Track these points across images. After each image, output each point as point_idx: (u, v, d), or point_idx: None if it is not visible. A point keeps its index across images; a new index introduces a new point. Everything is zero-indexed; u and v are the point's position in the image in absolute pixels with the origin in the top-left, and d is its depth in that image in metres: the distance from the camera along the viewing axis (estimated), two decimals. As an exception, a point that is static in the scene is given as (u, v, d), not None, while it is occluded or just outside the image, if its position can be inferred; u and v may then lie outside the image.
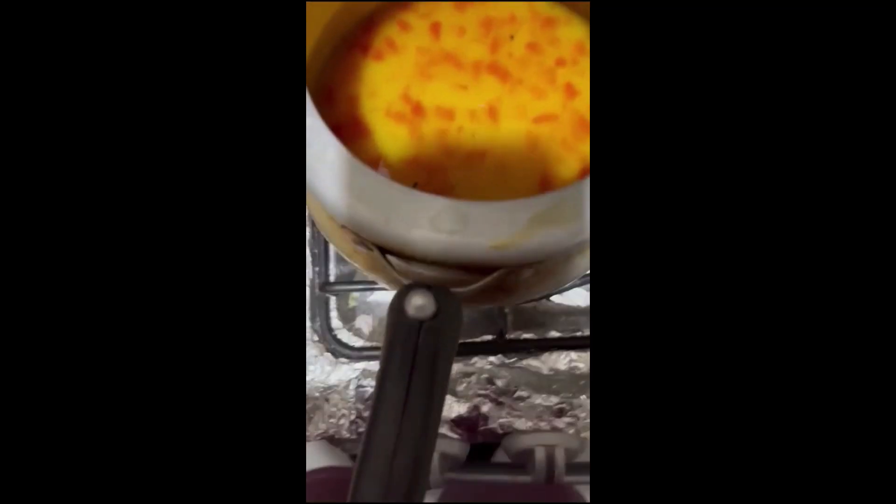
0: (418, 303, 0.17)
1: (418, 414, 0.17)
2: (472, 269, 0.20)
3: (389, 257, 0.21)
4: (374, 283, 0.32)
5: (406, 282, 0.19)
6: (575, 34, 0.28)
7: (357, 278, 0.34)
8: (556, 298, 0.34)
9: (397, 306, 0.17)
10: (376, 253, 0.21)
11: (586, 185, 0.19)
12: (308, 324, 0.32)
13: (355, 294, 0.34)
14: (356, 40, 0.28)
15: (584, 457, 0.31)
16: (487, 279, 0.19)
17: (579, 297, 0.35)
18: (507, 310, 0.34)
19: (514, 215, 0.18)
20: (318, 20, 0.26)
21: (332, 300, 0.34)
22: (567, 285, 0.32)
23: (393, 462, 0.16)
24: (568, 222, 0.18)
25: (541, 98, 0.27)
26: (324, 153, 0.19)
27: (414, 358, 0.16)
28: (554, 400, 0.30)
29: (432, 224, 0.18)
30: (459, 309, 0.18)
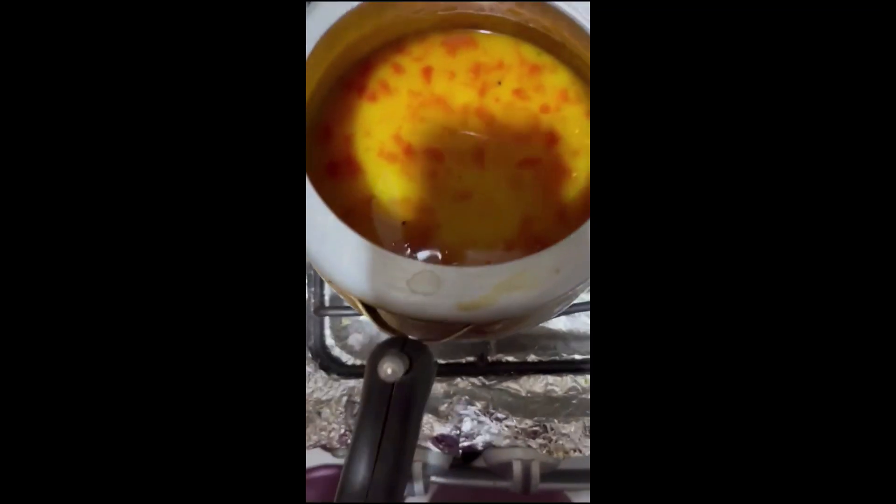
0: (389, 369, 0.19)
1: (391, 454, 0.19)
2: (447, 326, 0.22)
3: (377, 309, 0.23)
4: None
5: (386, 333, 0.21)
6: (560, 82, 0.29)
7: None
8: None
9: (371, 368, 0.19)
10: (360, 305, 0.23)
11: (549, 254, 0.20)
12: (303, 342, 0.34)
13: (348, 314, 0.36)
14: (353, 81, 0.30)
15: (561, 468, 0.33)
16: (459, 332, 0.21)
17: (559, 321, 0.37)
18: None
19: (481, 280, 0.20)
20: (321, 62, 0.27)
21: (326, 319, 0.36)
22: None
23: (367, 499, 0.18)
24: (530, 288, 0.20)
25: (525, 143, 0.29)
26: (314, 216, 0.21)
27: (387, 410, 0.19)
28: (528, 423, 0.32)
29: (409, 286, 0.20)
30: (431, 361, 0.20)
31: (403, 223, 0.28)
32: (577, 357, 0.35)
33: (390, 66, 0.30)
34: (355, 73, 0.30)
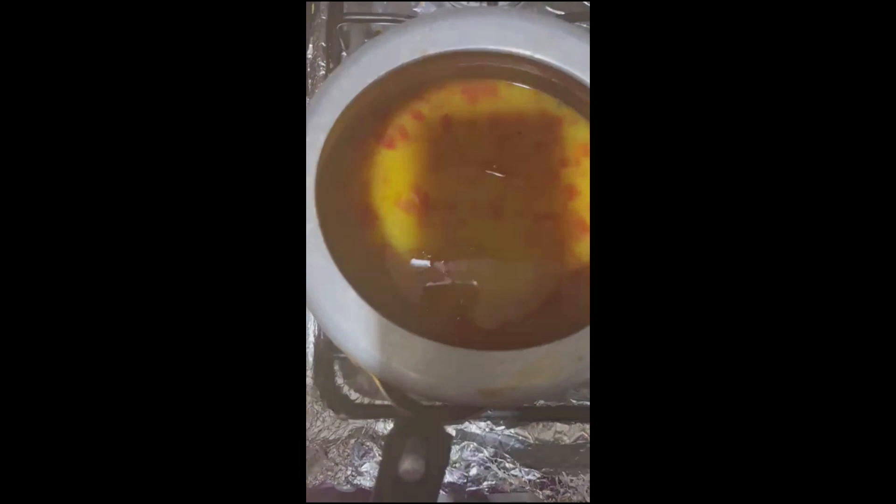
0: (410, 466, 0.18)
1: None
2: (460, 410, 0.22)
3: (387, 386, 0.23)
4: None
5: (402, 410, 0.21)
6: (580, 135, 0.29)
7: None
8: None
9: (388, 460, 0.19)
10: (375, 381, 0.23)
11: (576, 340, 0.20)
12: (311, 381, 0.34)
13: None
14: (372, 128, 0.29)
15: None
16: (477, 411, 0.21)
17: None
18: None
19: (504, 367, 0.20)
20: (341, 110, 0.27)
21: (336, 362, 0.36)
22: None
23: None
24: (553, 375, 0.20)
25: (542, 197, 0.29)
26: (333, 290, 0.21)
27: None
28: (536, 474, 0.32)
29: (428, 368, 0.19)
30: (448, 449, 0.20)
31: (419, 273, 0.28)
32: (587, 404, 0.35)
33: (409, 114, 0.29)
34: (375, 120, 0.29)
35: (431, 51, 0.23)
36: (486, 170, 0.29)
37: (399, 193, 0.29)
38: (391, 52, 0.23)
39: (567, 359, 0.20)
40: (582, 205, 0.28)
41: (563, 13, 0.35)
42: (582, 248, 0.28)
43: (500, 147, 0.29)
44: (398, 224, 0.29)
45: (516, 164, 0.29)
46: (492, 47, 0.23)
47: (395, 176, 0.29)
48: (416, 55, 0.23)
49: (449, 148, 0.29)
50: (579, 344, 0.20)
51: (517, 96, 0.29)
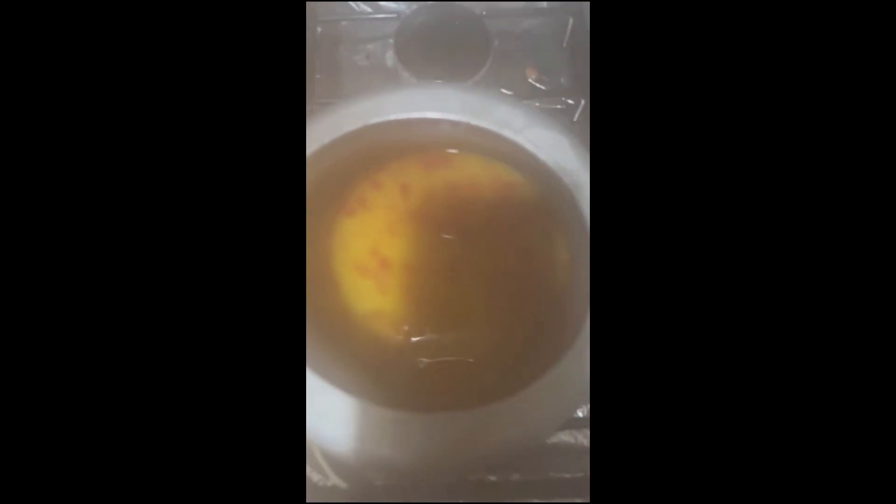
0: None
1: None
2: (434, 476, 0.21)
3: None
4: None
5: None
6: (533, 199, 0.30)
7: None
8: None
9: None
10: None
11: (544, 384, 0.20)
12: None
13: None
14: (330, 196, 0.30)
15: None
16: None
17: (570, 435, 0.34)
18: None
19: (479, 421, 0.19)
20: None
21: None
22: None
23: None
24: (526, 426, 0.19)
25: (499, 257, 0.29)
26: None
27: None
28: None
29: (392, 441, 0.18)
30: None
31: (377, 337, 0.28)
32: (567, 476, 0.33)
33: (369, 182, 0.31)
34: (333, 188, 0.30)
35: (373, 120, 0.25)
36: (443, 234, 0.30)
37: (357, 258, 0.29)
38: (335, 123, 0.25)
39: (533, 411, 0.19)
40: (538, 263, 0.29)
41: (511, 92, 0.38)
42: (542, 304, 0.28)
43: (457, 211, 0.30)
44: (357, 289, 0.29)
45: (472, 227, 0.30)
46: (433, 115, 0.25)
47: (354, 242, 0.30)
48: (359, 125, 0.25)
49: (406, 214, 0.30)
50: (552, 384, 0.20)
51: (470, 165, 0.31)
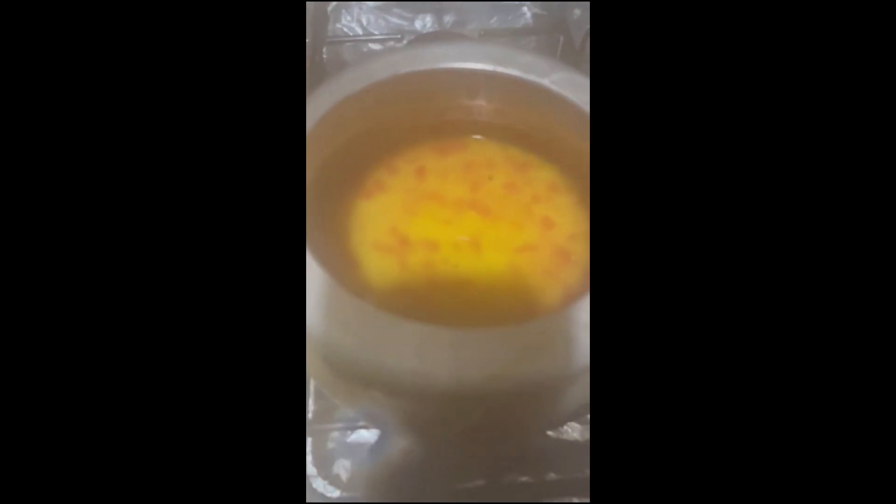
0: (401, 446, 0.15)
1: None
2: (460, 403, 0.19)
3: (373, 392, 0.20)
4: (356, 420, 0.30)
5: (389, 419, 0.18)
6: (547, 175, 0.31)
7: (337, 416, 0.32)
8: (551, 433, 0.32)
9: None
10: (359, 388, 0.20)
11: (574, 311, 0.19)
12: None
13: (334, 434, 0.32)
14: (348, 181, 0.30)
15: None
16: (477, 414, 0.19)
17: (575, 431, 0.33)
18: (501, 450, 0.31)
19: (504, 345, 0.18)
20: (315, 159, 0.28)
21: (308, 442, 0.31)
22: (562, 418, 0.31)
23: None
24: (559, 350, 0.18)
25: (520, 230, 0.29)
26: (309, 283, 0.19)
27: None
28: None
29: (419, 355, 0.18)
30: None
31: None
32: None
33: (385, 168, 0.31)
34: (351, 174, 0.30)
35: (403, 69, 0.25)
36: (463, 210, 0.30)
37: (377, 238, 0.29)
38: (364, 73, 0.25)
39: (573, 329, 0.18)
40: (559, 235, 0.29)
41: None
42: (565, 274, 0.28)
43: (474, 190, 0.30)
44: (378, 267, 0.28)
45: (490, 204, 0.30)
46: (457, 65, 0.25)
47: (372, 222, 0.29)
48: (389, 73, 0.25)
49: (424, 195, 0.30)
50: (586, 312, 0.19)
51: (485, 149, 0.32)
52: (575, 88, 0.24)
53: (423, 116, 0.30)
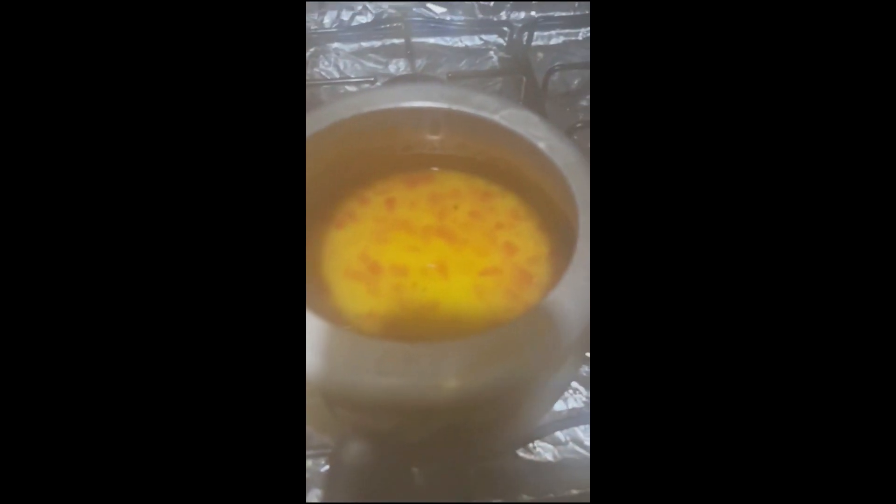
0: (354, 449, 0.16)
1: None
2: (423, 414, 0.20)
3: (336, 409, 0.21)
4: (322, 447, 0.31)
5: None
6: (509, 204, 0.33)
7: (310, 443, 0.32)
8: (522, 454, 0.33)
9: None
10: (320, 402, 0.21)
11: (527, 320, 0.20)
12: None
13: (307, 463, 0.32)
14: (320, 212, 0.32)
15: None
16: (437, 426, 0.19)
17: (547, 452, 0.34)
18: (471, 471, 0.32)
19: (460, 355, 0.19)
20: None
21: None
22: (530, 436, 0.32)
23: None
24: (515, 358, 0.19)
25: (484, 255, 0.31)
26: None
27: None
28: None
29: (378, 367, 0.19)
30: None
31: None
32: (575, 491, 0.32)
33: (356, 199, 0.33)
34: (323, 206, 0.32)
35: (365, 109, 0.27)
36: (430, 237, 0.31)
37: (348, 264, 0.30)
38: (329, 112, 0.27)
39: (528, 337, 0.19)
40: (521, 258, 0.31)
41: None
42: (527, 295, 0.29)
43: (441, 218, 0.32)
44: (349, 292, 0.29)
45: (456, 231, 0.31)
46: (416, 104, 0.27)
47: (343, 251, 0.31)
48: (351, 112, 0.27)
49: (394, 224, 0.32)
50: (547, 313, 0.20)
51: (450, 180, 0.33)
52: (524, 123, 0.26)
53: (390, 151, 0.32)
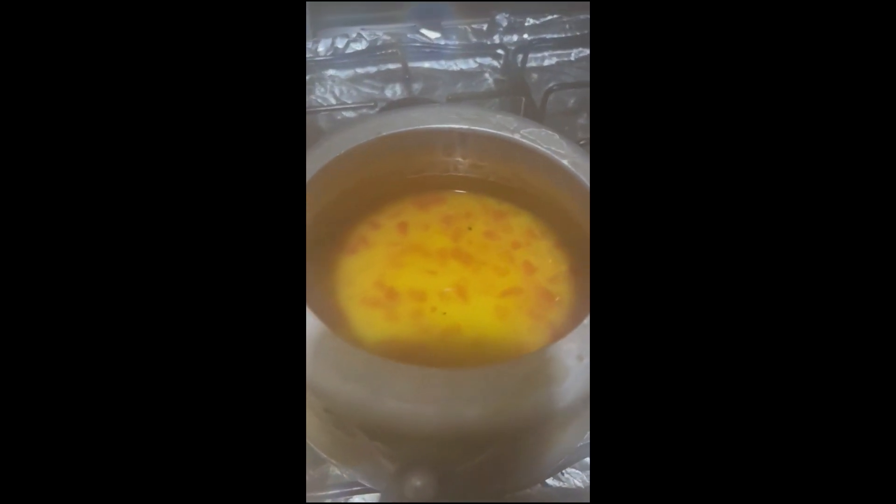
0: (417, 484, 0.15)
1: None
2: (465, 445, 0.19)
3: (377, 443, 0.20)
4: (352, 485, 0.29)
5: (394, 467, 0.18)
6: (525, 222, 0.32)
7: (331, 482, 0.31)
8: (552, 482, 0.32)
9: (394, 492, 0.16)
10: (361, 437, 0.20)
11: (568, 341, 0.19)
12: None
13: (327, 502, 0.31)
14: (332, 239, 0.31)
15: None
16: (482, 455, 0.18)
17: (576, 478, 0.32)
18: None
19: (501, 380, 0.18)
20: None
21: (304, 510, 0.30)
22: (562, 463, 0.30)
23: None
24: (557, 382, 0.19)
25: (503, 275, 0.30)
26: (308, 335, 0.20)
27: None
28: None
29: (419, 395, 0.18)
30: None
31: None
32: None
33: (368, 224, 0.32)
34: (335, 232, 0.31)
35: (384, 132, 0.27)
36: (446, 259, 0.30)
37: (364, 292, 0.29)
38: (350, 136, 0.27)
39: (568, 358, 0.19)
40: (542, 277, 0.30)
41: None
42: (550, 314, 0.29)
43: (455, 240, 0.31)
44: (367, 320, 0.28)
45: (472, 252, 0.31)
46: (436, 126, 0.27)
47: (358, 277, 0.30)
48: (373, 135, 0.27)
49: (408, 247, 0.31)
50: (577, 343, 0.19)
51: (462, 201, 0.33)
52: (544, 140, 0.26)
53: (402, 174, 0.32)
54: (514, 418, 0.18)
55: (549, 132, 0.27)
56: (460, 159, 0.31)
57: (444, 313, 0.29)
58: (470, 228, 0.32)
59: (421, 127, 0.27)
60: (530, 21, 0.52)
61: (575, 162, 0.25)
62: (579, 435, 0.25)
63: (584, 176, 0.25)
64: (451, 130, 0.27)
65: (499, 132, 0.26)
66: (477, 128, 0.27)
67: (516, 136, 0.26)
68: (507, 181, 0.32)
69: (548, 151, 0.25)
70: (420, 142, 0.28)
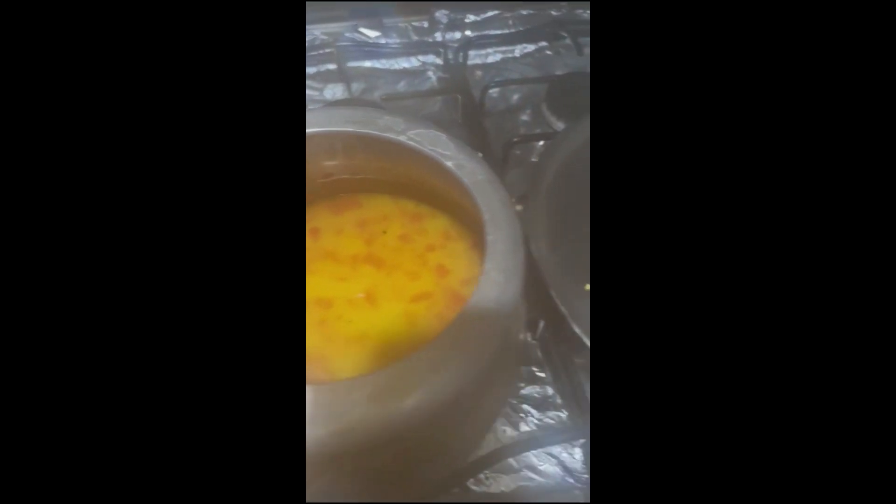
0: None
1: None
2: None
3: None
4: None
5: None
6: (441, 224, 0.31)
7: None
8: (473, 486, 0.31)
9: None
10: None
11: (424, 354, 0.19)
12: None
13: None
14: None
15: None
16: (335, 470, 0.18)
17: (500, 482, 0.32)
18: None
19: (352, 395, 0.17)
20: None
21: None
22: (478, 466, 0.30)
23: None
24: (410, 396, 0.18)
25: (415, 279, 0.29)
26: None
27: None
28: None
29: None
30: None
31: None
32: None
33: (278, 230, 0.31)
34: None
35: None
36: (357, 265, 0.29)
37: (270, 301, 0.28)
38: None
39: (422, 373, 0.18)
40: (454, 280, 0.29)
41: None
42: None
43: (369, 244, 0.30)
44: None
45: (385, 256, 0.30)
46: (322, 129, 0.26)
47: (266, 286, 0.29)
48: None
49: (319, 254, 0.30)
50: (434, 355, 0.18)
51: (378, 203, 0.32)
52: (432, 142, 0.25)
53: (309, 179, 0.31)
54: (364, 437, 0.17)
55: (437, 133, 0.26)
56: (365, 163, 0.30)
57: (350, 321, 0.28)
58: (384, 232, 0.31)
59: (310, 131, 0.26)
60: (471, 17, 0.51)
61: (459, 164, 0.24)
62: (479, 436, 0.25)
63: (468, 177, 0.24)
64: (336, 133, 0.26)
65: (384, 134, 0.26)
66: (362, 130, 0.26)
67: (401, 139, 0.25)
68: (420, 183, 0.31)
69: (432, 153, 0.25)
70: (314, 146, 0.27)
